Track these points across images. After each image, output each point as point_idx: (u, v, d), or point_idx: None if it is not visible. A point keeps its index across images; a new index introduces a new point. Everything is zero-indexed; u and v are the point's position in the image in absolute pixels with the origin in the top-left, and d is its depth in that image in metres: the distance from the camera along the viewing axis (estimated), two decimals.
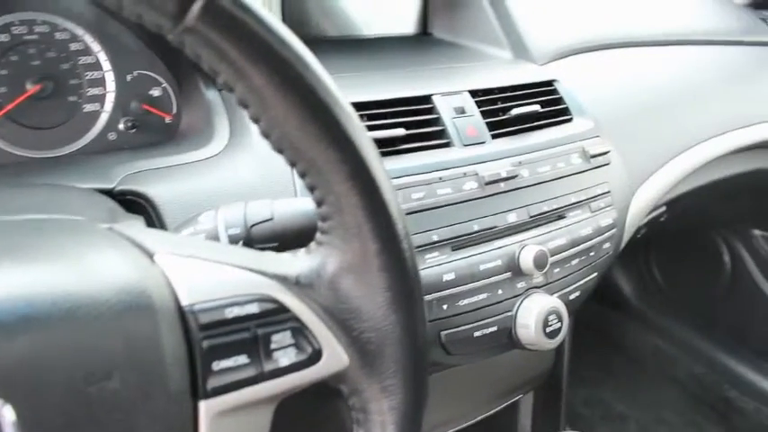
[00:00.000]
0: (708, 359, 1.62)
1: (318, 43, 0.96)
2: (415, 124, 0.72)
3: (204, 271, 0.37)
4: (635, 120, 0.92)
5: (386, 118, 0.71)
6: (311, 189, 0.38)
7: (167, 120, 0.76)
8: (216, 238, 0.48)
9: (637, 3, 1.17)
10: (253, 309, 0.36)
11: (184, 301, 0.35)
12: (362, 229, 0.37)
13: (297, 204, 0.49)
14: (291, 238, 0.48)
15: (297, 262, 0.39)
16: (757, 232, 1.55)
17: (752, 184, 1.22)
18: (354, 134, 0.36)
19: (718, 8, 1.33)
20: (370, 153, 0.37)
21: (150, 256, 0.37)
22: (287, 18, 0.94)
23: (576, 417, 1.58)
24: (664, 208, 1.04)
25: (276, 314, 0.37)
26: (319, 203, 0.38)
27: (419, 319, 0.40)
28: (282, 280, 0.38)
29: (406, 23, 1.06)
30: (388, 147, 0.69)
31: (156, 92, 0.76)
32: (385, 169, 0.38)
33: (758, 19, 1.36)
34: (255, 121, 0.36)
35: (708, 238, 1.61)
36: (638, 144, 0.90)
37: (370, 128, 0.69)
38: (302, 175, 0.37)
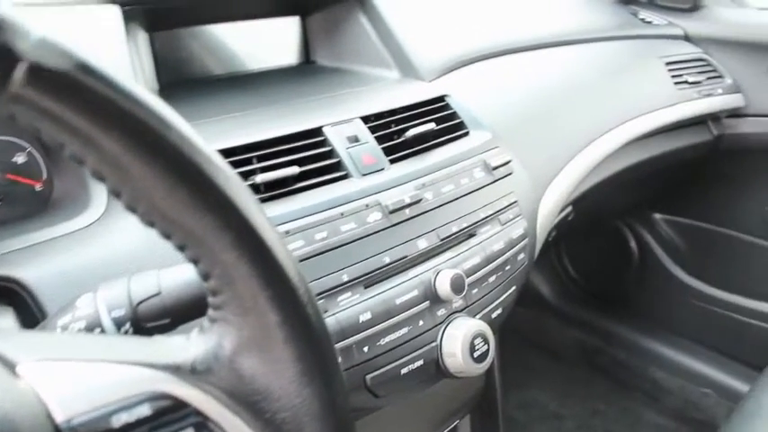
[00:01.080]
0: (630, 345, 1.66)
1: (204, 83, 0.91)
2: (308, 159, 0.68)
3: (81, 375, 0.31)
4: (529, 125, 0.92)
5: (277, 157, 0.67)
6: (194, 262, 0.33)
7: (37, 188, 0.69)
8: (98, 324, 0.42)
9: (515, 9, 1.18)
10: (144, 411, 0.31)
11: (59, 418, 0.29)
12: (259, 300, 0.32)
13: (186, 273, 0.44)
14: (184, 311, 0.43)
15: (190, 346, 0.34)
16: (658, 216, 1.59)
17: (648, 171, 1.25)
18: (233, 194, 0.31)
19: (591, 7, 1.37)
20: (253, 213, 0.32)
21: (12, 367, 0.31)
22: (160, 62, 0.88)
23: (513, 423, 1.57)
24: (570, 208, 1.05)
25: (173, 411, 0.32)
26: (206, 277, 0.33)
27: (337, 387, 0.36)
28: (175, 370, 0.33)
29: (289, 53, 1.02)
30: (282, 187, 0.65)
31: (20, 158, 0.68)
32: (274, 228, 0.34)
33: (629, 14, 1.41)
34: (116, 195, 0.30)
35: (614, 227, 1.65)
36: (537, 149, 0.89)
37: (263, 169, 0.65)
38: (180, 249, 0.32)
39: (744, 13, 1.46)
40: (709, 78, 1.30)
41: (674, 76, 1.24)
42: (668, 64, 1.26)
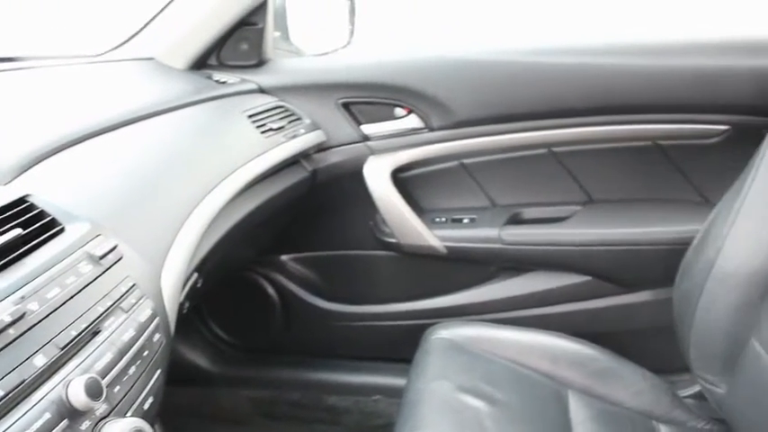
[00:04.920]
0: (300, 383, 1.71)
1: None
2: None
3: None
4: (130, 205, 0.89)
5: None
6: None
7: None
8: None
9: (84, 95, 1.15)
10: None
11: None
12: None
13: None
14: None
15: None
16: (285, 257, 1.68)
17: (261, 219, 1.30)
18: None
19: (166, 78, 1.39)
20: None
21: None
22: None
23: None
24: (196, 275, 1.04)
25: None
26: None
27: None
28: None
29: None
30: None
31: None
32: None
33: (204, 78, 1.46)
34: None
35: (250, 280, 1.69)
36: (144, 227, 0.87)
37: None
38: None
39: (303, 61, 1.63)
40: (290, 122, 1.42)
41: (258, 126, 1.31)
42: (251, 116, 1.33)
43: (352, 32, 1.59)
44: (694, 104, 1.35)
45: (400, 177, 1.53)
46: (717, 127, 1.36)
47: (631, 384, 1.22)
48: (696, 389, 1.29)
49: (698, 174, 1.43)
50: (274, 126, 1.35)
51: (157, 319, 0.78)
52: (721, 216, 1.16)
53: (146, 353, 0.74)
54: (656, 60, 1.35)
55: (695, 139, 1.39)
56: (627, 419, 1.17)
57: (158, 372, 0.76)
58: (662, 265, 1.34)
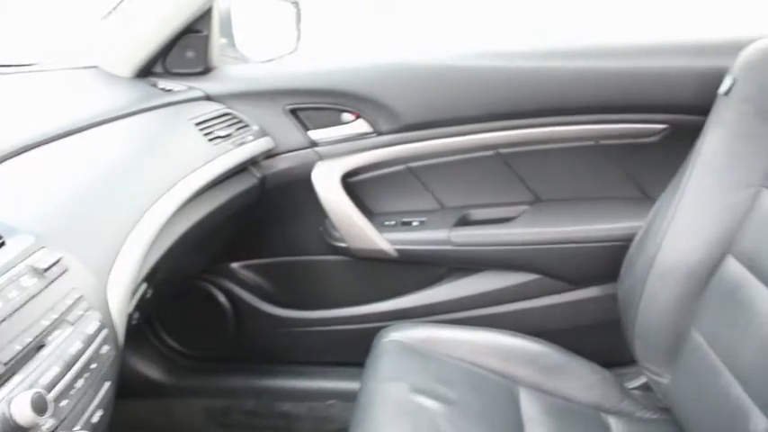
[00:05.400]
0: (254, 391, 1.69)
1: None
2: None
3: None
4: (75, 217, 0.87)
5: None
6: None
7: None
8: None
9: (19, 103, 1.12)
10: None
11: None
12: None
13: None
14: None
15: None
16: (236, 265, 1.67)
17: (210, 227, 1.30)
18: None
19: (110, 87, 1.37)
20: None
21: None
22: None
23: None
24: (145, 285, 1.03)
25: None
26: None
27: None
28: None
29: None
30: None
31: None
32: None
33: (149, 86, 1.45)
34: None
35: (202, 289, 1.67)
36: (90, 238, 0.86)
37: None
38: None
39: (250, 68, 1.63)
40: (238, 129, 1.41)
41: (206, 134, 1.31)
42: (198, 124, 1.32)
43: (298, 39, 1.59)
44: (634, 105, 1.39)
45: (349, 182, 1.54)
46: (656, 126, 1.40)
47: (581, 378, 1.25)
48: (643, 380, 1.32)
49: (640, 171, 1.47)
50: (222, 134, 1.34)
51: (105, 330, 0.77)
52: (661, 212, 1.20)
53: (94, 365, 0.73)
54: (597, 63, 1.39)
55: (636, 137, 1.43)
56: (577, 413, 1.19)
57: (107, 384, 0.75)
58: (607, 261, 1.38)
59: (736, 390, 0.96)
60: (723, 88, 1.15)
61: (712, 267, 1.10)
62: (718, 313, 1.06)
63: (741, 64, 1.13)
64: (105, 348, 0.76)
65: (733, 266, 1.06)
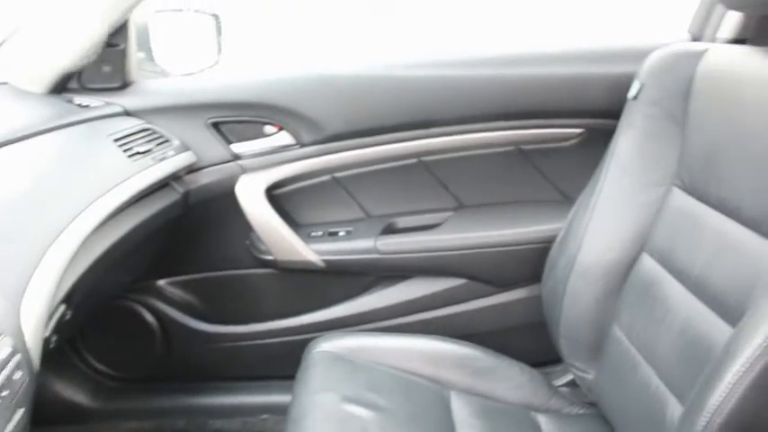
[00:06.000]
0: (185, 410, 1.67)
1: None
2: None
3: None
4: None
5: None
6: None
7: None
8: None
9: None
10: None
11: None
12: None
13: None
14: None
15: None
16: (162, 282, 1.64)
17: (133, 245, 1.27)
18: None
19: (21, 104, 1.32)
20: None
21: None
22: None
23: None
24: (63, 306, 1.00)
25: None
26: None
27: None
28: None
29: None
30: None
31: None
32: None
33: (64, 102, 1.40)
34: None
35: (127, 308, 1.63)
36: (2, 261, 0.82)
37: None
38: None
39: (170, 82, 1.60)
40: (158, 144, 1.38)
41: (125, 150, 1.28)
42: (116, 140, 1.29)
43: (219, 51, 1.58)
44: (551, 110, 1.44)
45: (274, 194, 1.53)
46: (573, 130, 1.45)
47: (510, 379, 1.28)
48: (569, 377, 1.36)
49: (559, 175, 1.51)
50: (141, 149, 1.31)
51: (18, 356, 0.74)
52: (579, 213, 1.23)
53: (5, 392, 0.70)
54: (514, 70, 1.43)
55: (554, 142, 1.47)
56: (508, 413, 1.22)
57: (21, 411, 0.73)
58: (531, 263, 1.41)
59: (655, 381, 1.00)
60: (632, 93, 1.20)
61: (629, 265, 1.14)
62: (635, 308, 1.10)
63: (647, 69, 1.18)
64: (18, 374, 0.73)
65: (648, 263, 1.10)
